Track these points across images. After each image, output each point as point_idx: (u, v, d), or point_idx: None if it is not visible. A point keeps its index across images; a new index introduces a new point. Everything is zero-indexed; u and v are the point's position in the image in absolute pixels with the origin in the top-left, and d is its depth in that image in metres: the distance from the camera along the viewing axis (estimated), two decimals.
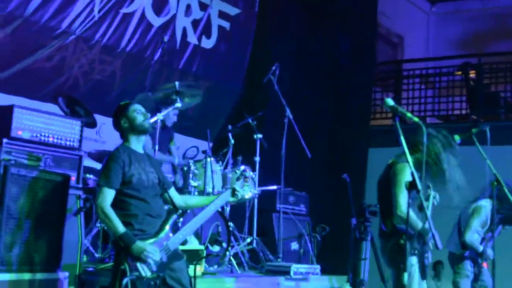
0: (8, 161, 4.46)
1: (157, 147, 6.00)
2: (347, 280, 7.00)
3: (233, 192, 4.51)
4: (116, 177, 4.12)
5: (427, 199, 5.38)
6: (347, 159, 10.01)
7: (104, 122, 6.79)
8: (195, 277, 4.85)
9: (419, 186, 3.77)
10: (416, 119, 3.80)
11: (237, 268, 6.18)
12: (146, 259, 4.03)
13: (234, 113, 8.75)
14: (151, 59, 7.81)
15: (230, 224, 6.78)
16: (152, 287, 4.09)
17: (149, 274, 4.03)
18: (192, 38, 8.35)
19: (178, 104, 6.11)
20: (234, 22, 8.91)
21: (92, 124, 5.99)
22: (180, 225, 5.28)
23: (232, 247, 6.33)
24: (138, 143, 4.34)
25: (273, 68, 7.03)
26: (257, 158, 6.97)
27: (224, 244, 6.05)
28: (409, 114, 3.81)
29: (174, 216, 4.27)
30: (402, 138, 3.77)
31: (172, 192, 4.44)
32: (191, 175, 6.18)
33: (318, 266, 6.48)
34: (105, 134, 7.41)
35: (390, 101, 3.81)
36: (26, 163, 4.53)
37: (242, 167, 6.16)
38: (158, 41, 7.80)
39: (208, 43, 8.58)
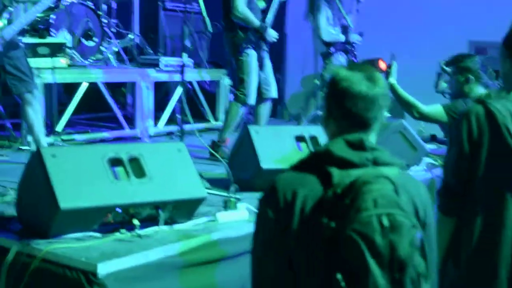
0: None
1: None
2: (226, 73, 7.59)
3: None
4: None
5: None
6: None
7: None
8: (53, 67, 5.38)
9: None
10: None
11: (113, 62, 6.66)
12: None
13: None
14: None
15: (110, 20, 7.20)
16: None
17: None
18: None
19: None
20: None
21: None
22: None
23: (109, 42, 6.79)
24: None
25: None
26: None
27: (96, 39, 6.49)
28: None
29: (10, 10, 4.65)
30: None
31: None
32: None
33: (191, 60, 6.96)
34: None
35: None
36: None
37: None
38: None
39: None
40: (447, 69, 5.11)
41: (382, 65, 9.33)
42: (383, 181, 1.78)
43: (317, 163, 1.86)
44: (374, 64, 9.26)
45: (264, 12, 5.57)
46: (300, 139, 4.34)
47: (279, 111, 8.91)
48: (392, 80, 4.48)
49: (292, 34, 9.19)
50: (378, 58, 9.19)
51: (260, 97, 5.67)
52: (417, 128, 7.03)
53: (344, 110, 1.90)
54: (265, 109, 5.75)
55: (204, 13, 4.31)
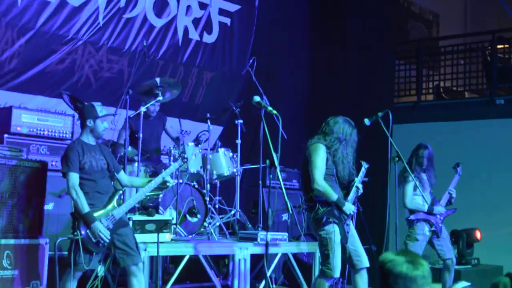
0: None
1: (141, 135, 7.08)
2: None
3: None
4: (75, 164, 5.27)
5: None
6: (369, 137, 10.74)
7: (119, 113, 7.72)
8: (158, 242, 5.98)
9: (277, 164, 4.70)
10: (274, 111, 4.76)
11: (214, 236, 7.23)
12: (99, 236, 5.18)
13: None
14: (156, 56, 8.95)
15: (214, 197, 7.87)
16: (101, 247, 5.25)
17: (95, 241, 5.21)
18: (193, 35, 9.37)
19: (160, 98, 7.21)
20: (235, 17, 9.85)
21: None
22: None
23: (212, 218, 7.42)
24: (91, 138, 5.47)
25: (251, 61, 8.02)
26: (238, 141, 7.99)
27: (199, 216, 7.12)
28: (269, 108, 4.79)
29: (119, 192, 5.40)
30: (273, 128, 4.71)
31: (121, 174, 5.56)
32: (172, 158, 7.26)
33: (286, 234, 7.43)
34: (119, 124, 8.52)
35: (257, 98, 4.81)
36: (6, 154, 5.69)
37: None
38: (161, 40, 8.94)
39: (209, 38, 9.57)
40: None
41: (478, 235, 9.44)
42: None
43: None
44: (470, 234, 9.42)
45: (347, 188, 6.02)
46: None
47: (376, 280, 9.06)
48: None
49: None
50: (475, 228, 9.33)
51: (354, 269, 5.97)
52: None
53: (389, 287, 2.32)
54: (361, 279, 6.00)
55: (285, 195, 4.84)
